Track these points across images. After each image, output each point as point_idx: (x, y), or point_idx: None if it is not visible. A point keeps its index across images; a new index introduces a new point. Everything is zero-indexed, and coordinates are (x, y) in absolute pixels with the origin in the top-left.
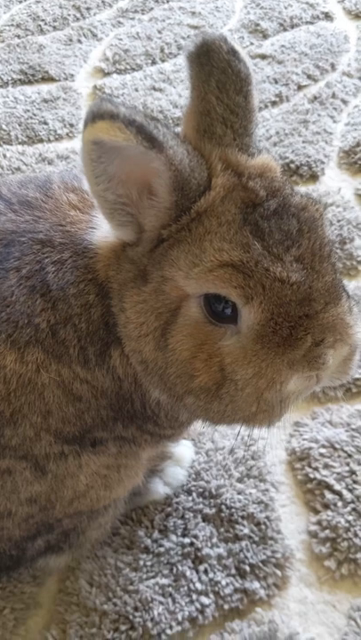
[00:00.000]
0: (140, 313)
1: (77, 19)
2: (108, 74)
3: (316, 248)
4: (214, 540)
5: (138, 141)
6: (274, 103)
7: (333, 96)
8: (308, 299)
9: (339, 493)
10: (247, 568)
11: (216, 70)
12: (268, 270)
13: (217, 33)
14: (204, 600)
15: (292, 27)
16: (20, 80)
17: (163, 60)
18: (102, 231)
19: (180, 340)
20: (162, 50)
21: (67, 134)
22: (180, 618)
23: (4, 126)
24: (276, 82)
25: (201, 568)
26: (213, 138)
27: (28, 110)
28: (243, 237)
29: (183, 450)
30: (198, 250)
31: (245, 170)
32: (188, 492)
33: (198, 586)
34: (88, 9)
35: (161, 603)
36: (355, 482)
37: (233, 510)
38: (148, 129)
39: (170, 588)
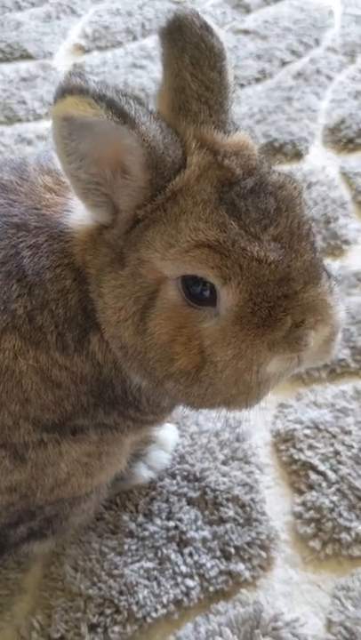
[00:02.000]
0: (118, 298)
1: None
2: (87, 51)
3: (295, 227)
4: (199, 522)
5: (109, 117)
6: (257, 80)
7: (318, 72)
8: (286, 278)
9: (323, 474)
10: (232, 550)
11: (189, 46)
12: (245, 250)
13: (189, 8)
14: (189, 583)
15: (276, 1)
16: None
17: (144, 37)
18: (78, 214)
19: (159, 324)
20: (143, 26)
21: (46, 114)
22: (165, 601)
23: None
24: (260, 58)
25: (186, 551)
26: (188, 115)
27: (6, 89)
28: (219, 217)
29: (167, 433)
30: (174, 230)
31: (221, 148)
32: (173, 476)
33: (183, 569)
34: None
35: (146, 586)
36: (339, 462)
37: (218, 493)
38: (119, 104)
39: (155, 572)
